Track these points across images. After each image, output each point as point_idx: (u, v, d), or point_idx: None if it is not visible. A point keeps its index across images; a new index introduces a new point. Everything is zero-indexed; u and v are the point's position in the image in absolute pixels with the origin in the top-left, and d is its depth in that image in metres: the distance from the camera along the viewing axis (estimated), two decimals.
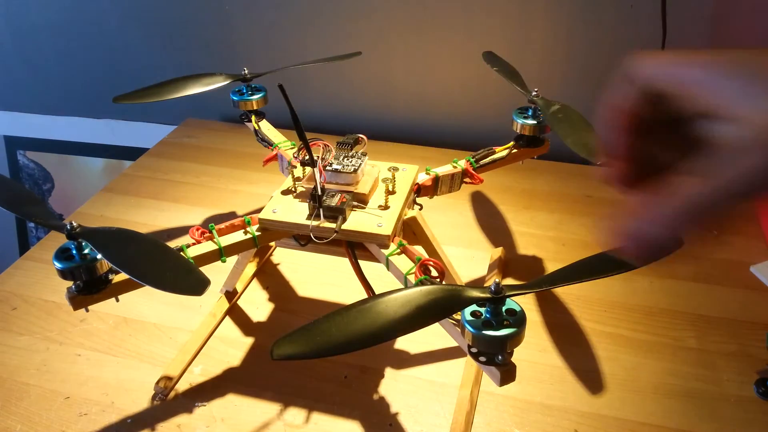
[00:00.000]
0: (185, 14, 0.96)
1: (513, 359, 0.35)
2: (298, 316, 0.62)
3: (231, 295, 0.63)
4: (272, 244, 0.58)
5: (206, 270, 0.41)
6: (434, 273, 0.42)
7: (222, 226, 0.48)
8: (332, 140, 0.52)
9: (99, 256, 0.40)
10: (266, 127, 0.62)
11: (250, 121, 0.63)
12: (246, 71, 0.62)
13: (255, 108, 0.63)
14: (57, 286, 0.65)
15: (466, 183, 0.55)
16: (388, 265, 0.45)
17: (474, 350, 0.35)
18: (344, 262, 0.48)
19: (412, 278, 0.42)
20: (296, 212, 0.48)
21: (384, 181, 0.50)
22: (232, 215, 0.78)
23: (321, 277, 0.66)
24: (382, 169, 0.52)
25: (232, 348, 0.58)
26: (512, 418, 0.51)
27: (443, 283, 0.41)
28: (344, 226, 0.46)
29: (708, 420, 0.50)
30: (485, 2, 0.83)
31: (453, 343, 0.52)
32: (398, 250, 0.45)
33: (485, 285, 0.35)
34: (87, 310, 0.42)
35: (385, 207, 0.48)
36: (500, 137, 0.60)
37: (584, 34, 0.82)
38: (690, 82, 0.23)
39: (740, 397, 0.52)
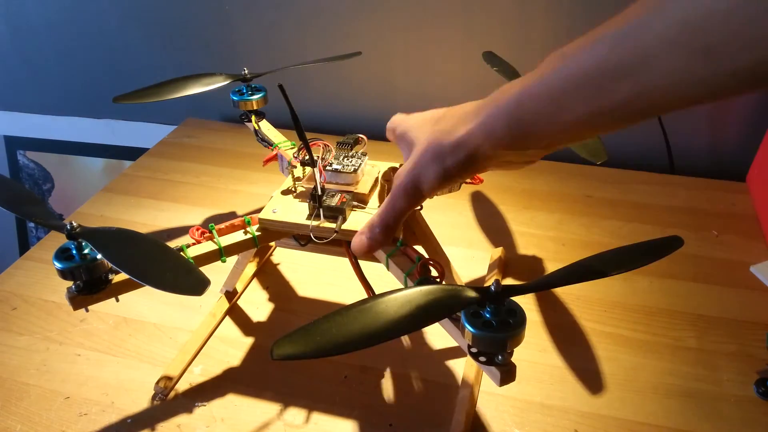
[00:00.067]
0: (185, 14, 0.96)
1: (513, 359, 0.35)
2: (298, 316, 0.62)
3: (231, 295, 0.63)
4: (272, 244, 0.58)
5: (206, 270, 0.41)
6: (434, 273, 0.42)
7: (222, 226, 0.48)
8: (332, 140, 0.52)
9: (99, 256, 0.40)
10: (266, 127, 0.62)
11: (250, 121, 0.63)
12: (246, 71, 0.62)
13: (255, 108, 0.63)
14: (57, 286, 0.65)
15: (466, 183, 0.55)
16: (388, 265, 0.45)
17: (474, 350, 0.35)
18: (344, 262, 0.48)
19: (412, 278, 0.42)
20: (296, 212, 0.48)
21: (384, 181, 0.50)
22: (232, 215, 0.78)
23: (321, 277, 0.66)
24: (382, 169, 0.52)
25: (232, 348, 0.58)
26: (512, 418, 0.51)
27: (443, 283, 0.41)
28: (344, 226, 0.47)
29: (708, 420, 0.50)
30: (485, 2, 0.83)
31: (453, 343, 0.52)
32: (398, 250, 0.45)
33: (485, 285, 0.35)
34: (87, 310, 0.42)
35: None
36: None
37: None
38: (404, 126, 0.42)
39: (740, 397, 0.52)
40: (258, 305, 0.63)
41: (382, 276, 0.46)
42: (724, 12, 0.23)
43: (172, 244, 0.44)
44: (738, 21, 0.23)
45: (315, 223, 0.47)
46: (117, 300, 0.42)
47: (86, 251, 0.40)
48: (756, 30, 0.22)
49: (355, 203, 0.49)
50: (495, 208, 0.78)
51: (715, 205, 0.77)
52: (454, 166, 0.36)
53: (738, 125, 0.85)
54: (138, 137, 1.12)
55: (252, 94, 0.63)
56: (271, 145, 0.59)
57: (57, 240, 0.73)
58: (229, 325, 0.61)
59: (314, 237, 0.47)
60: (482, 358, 0.35)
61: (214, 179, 0.86)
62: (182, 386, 0.54)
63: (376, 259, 0.47)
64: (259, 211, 0.49)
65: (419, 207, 0.53)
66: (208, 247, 0.46)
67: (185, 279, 0.39)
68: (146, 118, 1.11)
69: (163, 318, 0.62)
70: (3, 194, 0.42)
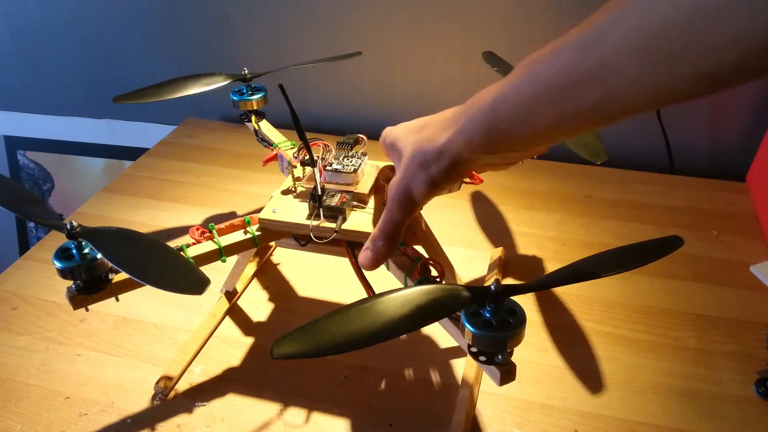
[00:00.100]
0: (185, 14, 0.96)
1: (513, 359, 0.35)
2: (298, 316, 0.62)
3: (231, 295, 0.63)
4: (272, 244, 0.58)
5: (206, 270, 0.41)
6: (434, 273, 0.42)
7: (222, 226, 0.48)
8: (332, 140, 0.52)
9: (99, 255, 0.40)
10: (266, 127, 0.62)
11: (250, 121, 0.63)
12: (246, 71, 0.62)
13: (255, 108, 0.63)
14: (57, 285, 0.65)
15: (466, 183, 0.55)
16: (388, 265, 0.45)
17: (474, 350, 0.35)
18: (344, 262, 0.48)
19: (411, 278, 0.42)
20: (296, 212, 0.48)
21: (383, 181, 0.50)
22: (232, 215, 0.78)
23: (321, 277, 0.66)
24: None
25: (232, 348, 0.58)
26: (512, 418, 0.51)
27: (443, 282, 0.41)
28: (344, 226, 0.47)
29: (708, 420, 0.50)
30: (485, 2, 0.83)
31: (453, 343, 0.53)
32: (398, 250, 0.45)
33: (485, 285, 0.35)
34: (87, 310, 0.42)
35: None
36: None
37: None
38: (392, 136, 0.43)
39: (740, 397, 0.52)
40: (258, 305, 0.63)
41: (382, 276, 0.46)
42: (680, 20, 0.24)
43: (172, 244, 0.44)
44: (694, 29, 0.23)
45: (315, 223, 0.47)
46: (117, 300, 0.42)
47: (86, 251, 0.40)
48: (712, 37, 0.23)
49: (355, 203, 0.49)
50: (495, 208, 0.78)
51: (715, 205, 0.77)
52: (439, 173, 0.37)
53: (738, 125, 0.85)
54: (138, 137, 1.12)
55: (252, 94, 0.63)
56: (271, 145, 0.59)
57: (57, 240, 0.73)
58: (229, 325, 0.61)
59: (314, 237, 0.47)
60: (482, 358, 0.35)
61: (214, 179, 0.86)
62: (182, 386, 0.54)
63: None
64: (259, 211, 0.49)
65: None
66: (208, 246, 0.46)
67: (185, 278, 0.39)
68: (146, 118, 1.11)
69: (163, 318, 0.62)
70: (3, 194, 0.42)
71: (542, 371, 0.55)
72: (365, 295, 0.43)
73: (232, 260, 0.58)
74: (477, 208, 0.78)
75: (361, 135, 0.53)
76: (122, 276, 0.42)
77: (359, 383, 0.54)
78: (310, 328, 0.33)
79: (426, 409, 0.52)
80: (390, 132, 0.43)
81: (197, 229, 0.47)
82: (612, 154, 0.59)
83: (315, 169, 0.48)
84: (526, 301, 0.62)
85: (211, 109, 1.04)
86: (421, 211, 0.52)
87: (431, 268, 0.43)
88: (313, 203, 0.47)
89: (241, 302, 0.64)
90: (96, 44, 1.03)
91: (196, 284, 0.38)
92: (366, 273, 0.46)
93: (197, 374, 0.55)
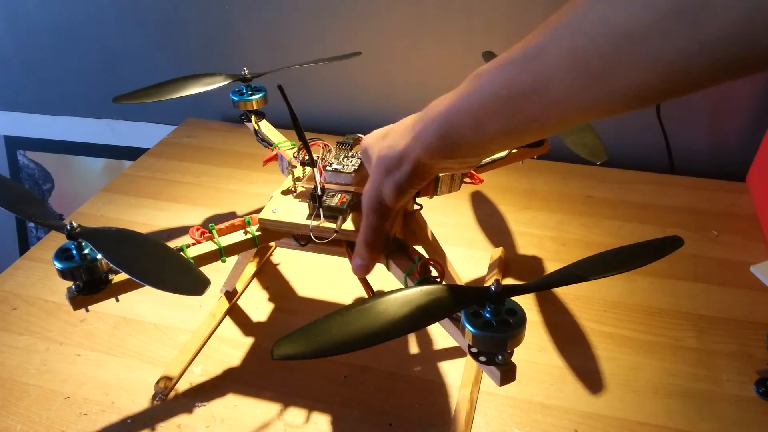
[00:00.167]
0: (185, 14, 0.96)
1: (513, 359, 0.35)
2: (298, 316, 0.62)
3: (231, 295, 0.63)
4: (272, 244, 0.58)
5: (206, 270, 0.41)
6: (434, 273, 0.42)
7: (222, 226, 0.48)
8: (332, 140, 0.52)
9: (99, 256, 0.40)
10: (266, 127, 0.62)
11: (250, 121, 0.63)
12: (246, 71, 0.62)
13: (255, 108, 0.63)
14: (57, 286, 0.65)
15: (466, 183, 0.55)
16: (388, 265, 0.45)
17: (474, 350, 0.35)
18: (344, 262, 0.48)
19: (412, 278, 0.42)
20: (296, 212, 0.48)
21: None
22: (232, 215, 0.78)
23: (321, 277, 0.66)
24: None
25: (232, 348, 0.58)
26: (512, 418, 0.51)
27: (443, 283, 0.41)
28: (344, 226, 0.46)
29: (708, 420, 0.50)
30: (485, 2, 0.83)
31: (453, 343, 0.52)
32: (398, 251, 0.45)
33: (485, 285, 0.35)
34: (87, 310, 0.42)
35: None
36: None
37: None
38: (364, 144, 0.44)
39: (740, 397, 0.52)
40: (258, 305, 0.63)
41: (382, 276, 0.46)
42: (607, 41, 0.26)
43: (172, 244, 0.43)
44: (618, 49, 0.26)
45: (315, 223, 0.47)
46: (117, 300, 0.42)
47: (86, 251, 0.40)
48: (635, 57, 0.25)
49: (355, 203, 0.49)
50: (495, 208, 0.78)
51: (715, 205, 0.77)
52: (402, 178, 0.39)
53: (738, 126, 0.85)
54: (138, 137, 1.12)
55: (252, 94, 0.63)
56: (271, 145, 0.59)
57: (57, 240, 0.73)
58: (229, 325, 0.61)
59: (314, 237, 0.47)
60: (482, 358, 0.35)
61: (214, 179, 0.86)
62: (182, 386, 0.54)
63: None
64: (259, 211, 0.49)
65: (420, 207, 0.53)
66: (208, 247, 0.46)
67: (185, 279, 0.39)
68: (146, 118, 1.11)
69: (163, 318, 0.62)
70: (3, 194, 0.42)
71: (542, 371, 0.55)
72: (365, 295, 0.43)
73: (232, 260, 0.58)
74: (477, 208, 0.78)
75: (361, 135, 0.53)
76: (122, 276, 0.42)
77: (359, 383, 0.54)
78: (311, 328, 0.33)
79: (426, 409, 0.52)
80: (364, 139, 0.45)
81: (197, 230, 0.47)
82: (612, 154, 0.59)
83: (315, 169, 0.48)
84: (526, 301, 0.62)
85: (211, 109, 1.04)
86: (421, 212, 0.52)
87: (431, 268, 0.43)
88: (313, 203, 0.47)
89: (241, 302, 0.64)
90: (96, 44, 1.03)
91: (196, 285, 0.38)
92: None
93: (197, 374, 0.55)
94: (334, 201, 0.47)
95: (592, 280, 0.37)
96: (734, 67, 0.24)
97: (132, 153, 1.11)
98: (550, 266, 0.68)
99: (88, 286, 0.41)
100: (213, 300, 0.62)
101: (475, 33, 0.86)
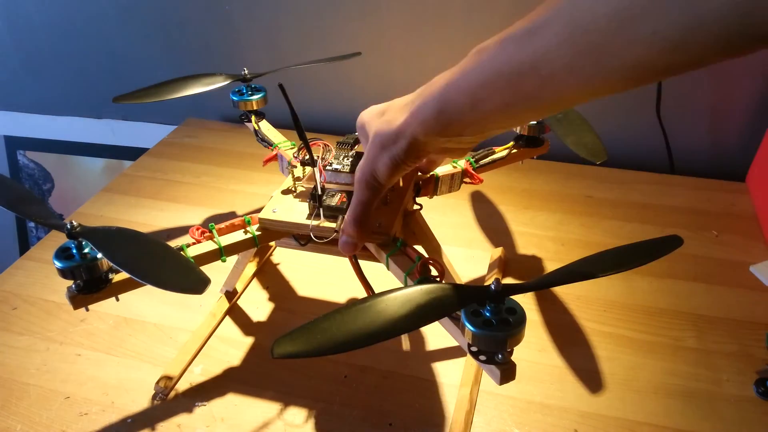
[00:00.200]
0: (185, 14, 0.96)
1: (513, 358, 0.35)
2: (298, 316, 0.62)
3: (231, 294, 0.63)
4: (272, 244, 0.58)
5: (206, 270, 0.41)
6: (434, 272, 0.42)
7: (222, 225, 0.48)
8: (332, 140, 0.52)
9: (99, 255, 0.40)
10: (266, 127, 0.62)
11: (250, 121, 0.63)
12: (246, 71, 0.62)
13: (255, 108, 0.63)
14: (57, 285, 0.65)
15: (466, 183, 0.55)
16: (388, 264, 0.45)
17: (474, 349, 0.35)
18: (344, 262, 0.48)
19: (412, 278, 0.42)
20: (296, 212, 0.48)
21: None
22: (232, 215, 0.78)
23: (321, 277, 0.66)
24: None
25: (232, 348, 0.58)
26: (512, 417, 0.51)
27: (443, 282, 0.41)
28: None
29: (708, 420, 0.50)
30: (485, 2, 0.83)
31: (453, 343, 0.52)
32: (398, 250, 0.45)
33: (485, 284, 0.35)
34: (87, 310, 0.42)
35: (385, 206, 0.48)
36: (500, 137, 0.60)
37: None
38: (362, 120, 0.44)
39: (740, 397, 0.52)
40: (258, 305, 0.63)
41: (382, 276, 0.46)
42: (606, 15, 0.26)
43: (172, 243, 0.43)
44: (618, 24, 0.26)
45: (315, 222, 0.47)
46: (117, 299, 0.42)
47: (86, 250, 0.40)
48: (634, 32, 0.25)
49: None
50: (495, 208, 0.78)
51: (715, 205, 0.77)
52: (398, 154, 0.39)
53: (738, 126, 0.85)
54: (138, 137, 1.12)
55: (252, 95, 0.63)
56: (271, 145, 0.59)
57: (57, 239, 0.73)
58: (229, 325, 0.61)
59: (314, 237, 0.47)
60: (482, 357, 0.35)
61: (214, 179, 0.86)
62: (182, 386, 0.54)
63: (376, 259, 0.47)
64: (259, 210, 0.49)
65: (420, 207, 0.53)
66: (208, 246, 0.46)
67: (186, 278, 0.39)
68: (146, 118, 1.11)
69: (163, 318, 0.62)
70: (3, 194, 0.42)
71: (542, 371, 0.55)
72: (365, 295, 0.43)
73: (232, 260, 0.58)
74: (477, 208, 0.78)
75: None
76: (122, 276, 0.42)
77: (359, 383, 0.54)
78: (311, 327, 0.33)
79: (426, 409, 0.52)
80: (361, 116, 0.45)
81: (197, 229, 0.47)
82: (612, 154, 0.59)
83: (315, 169, 0.48)
84: (526, 301, 0.62)
85: (211, 109, 1.04)
86: (421, 211, 0.52)
87: (431, 267, 0.43)
88: (313, 203, 0.47)
89: (241, 302, 0.64)
90: (96, 44, 1.03)
91: (197, 284, 0.38)
92: (366, 273, 0.46)
93: (197, 374, 0.55)
94: (334, 201, 0.47)
95: (592, 280, 0.37)
96: (734, 43, 0.24)
97: (132, 153, 1.11)
98: (550, 266, 0.68)
99: (89, 286, 0.41)
100: (213, 300, 0.62)
101: (475, 32, 0.86)
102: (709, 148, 0.88)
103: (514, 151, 0.57)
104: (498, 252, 0.68)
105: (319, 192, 0.47)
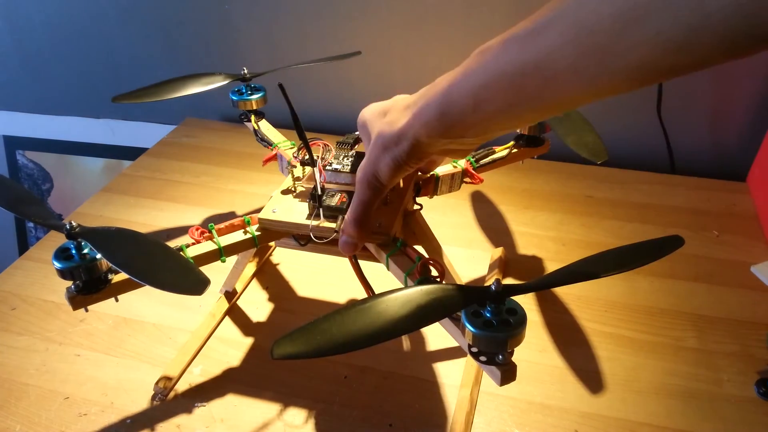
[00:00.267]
0: (185, 14, 0.96)
1: (513, 359, 0.35)
2: (298, 316, 0.62)
3: (231, 295, 0.63)
4: (272, 244, 0.58)
5: (206, 270, 0.41)
6: (434, 273, 0.42)
7: (222, 226, 0.48)
8: (332, 140, 0.52)
9: (98, 255, 0.40)
10: (266, 127, 0.62)
11: (250, 120, 0.63)
12: (245, 71, 0.62)
13: (254, 108, 0.63)
14: (56, 286, 0.65)
15: (466, 183, 0.55)
16: (388, 265, 0.45)
17: (474, 350, 0.35)
18: (344, 262, 0.48)
19: (412, 278, 0.42)
20: (296, 212, 0.48)
21: None
22: (232, 215, 0.78)
23: (321, 277, 0.66)
24: None
25: (231, 348, 0.58)
26: (512, 418, 0.51)
27: (443, 282, 0.41)
28: None
29: (709, 420, 0.50)
30: (485, 2, 0.83)
31: (453, 343, 0.52)
32: (398, 250, 0.45)
33: (486, 285, 0.35)
34: (86, 310, 0.41)
35: (385, 206, 0.48)
36: (500, 137, 0.60)
37: None
38: (363, 118, 0.44)
39: (741, 397, 0.52)
40: (258, 305, 0.63)
41: (382, 276, 0.46)
42: (611, 15, 0.26)
43: (172, 244, 0.43)
44: (623, 23, 0.26)
45: (315, 222, 0.47)
46: (116, 300, 0.42)
47: (86, 251, 0.40)
48: (638, 32, 0.25)
49: None
50: (495, 208, 0.78)
51: (715, 205, 0.77)
52: (401, 155, 0.39)
53: (739, 126, 0.85)
54: (138, 137, 1.12)
55: (251, 94, 0.62)
56: (271, 145, 0.59)
57: (56, 240, 0.73)
58: (228, 325, 0.61)
59: (314, 237, 0.47)
60: (483, 358, 0.35)
61: (214, 179, 0.85)
62: (182, 386, 0.54)
63: (376, 259, 0.47)
64: (259, 211, 0.49)
65: (420, 207, 0.53)
66: (207, 247, 0.46)
67: (185, 278, 0.39)
68: (146, 118, 1.10)
69: (162, 318, 0.61)
70: (2, 194, 0.42)
71: (542, 371, 0.55)
72: (365, 295, 0.43)
73: (231, 260, 0.58)
74: (477, 208, 0.78)
75: None
76: (122, 276, 0.42)
77: (359, 383, 0.54)
78: (310, 328, 0.33)
79: (426, 409, 0.52)
80: (362, 113, 0.45)
81: (197, 229, 0.47)
82: (612, 154, 0.59)
83: (315, 168, 0.48)
84: (527, 301, 0.62)
85: (210, 109, 1.04)
86: (421, 211, 0.52)
87: (431, 268, 0.43)
88: (313, 203, 0.47)
89: (241, 302, 0.64)
90: (96, 44, 1.03)
91: (196, 284, 0.38)
92: (366, 273, 0.46)
93: (197, 374, 0.55)
94: (334, 201, 0.47)
95: (593, 280, 0.36)
96: (739, 44, 0.24)
97: (131, 153, 1.11)
98: (551, 266, 0.68)
99: (88, 286, 0.41)
100: (213, 300, 0.62)
101: (475, 32, 0.85)
102: (710, 148, 0.88)
103: (515, 150, 0.57)
104: (498, 252, 0.68)
105: (319, 192, 0.47)
